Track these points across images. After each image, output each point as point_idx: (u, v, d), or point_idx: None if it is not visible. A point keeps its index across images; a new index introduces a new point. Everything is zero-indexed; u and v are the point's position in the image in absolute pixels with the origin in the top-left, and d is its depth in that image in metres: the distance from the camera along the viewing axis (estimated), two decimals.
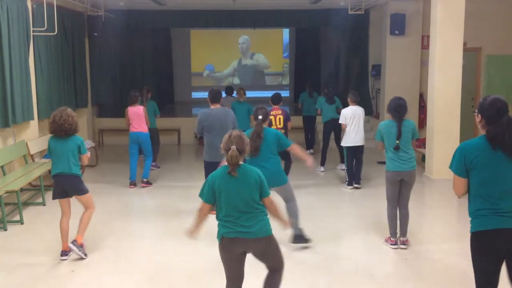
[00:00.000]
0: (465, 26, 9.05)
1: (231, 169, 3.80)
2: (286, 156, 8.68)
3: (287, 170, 8.87)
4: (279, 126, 8.48)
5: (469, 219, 3.60)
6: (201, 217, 4.00)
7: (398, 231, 6.05)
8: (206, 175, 7.19)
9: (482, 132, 3.52)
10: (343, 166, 10.08)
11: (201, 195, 3.95)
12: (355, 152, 8.92)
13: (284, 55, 20.24)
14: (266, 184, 3.94)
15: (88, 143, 10.61)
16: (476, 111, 3.56)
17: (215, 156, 6.89)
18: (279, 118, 8.54)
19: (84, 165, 5.91)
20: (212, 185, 3.86)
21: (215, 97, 7.24)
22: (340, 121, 8.94)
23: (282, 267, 4.09)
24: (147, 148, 9.18)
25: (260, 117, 5.93)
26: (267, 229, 3.91)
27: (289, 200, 6.00)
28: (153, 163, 10.57)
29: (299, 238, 5.99)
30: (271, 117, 8.46)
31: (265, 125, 6.02)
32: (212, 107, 7.23)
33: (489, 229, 3.44)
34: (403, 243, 6.01)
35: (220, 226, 3.90)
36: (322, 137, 10.48)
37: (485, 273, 3.51)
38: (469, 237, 3.60)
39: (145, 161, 9.25)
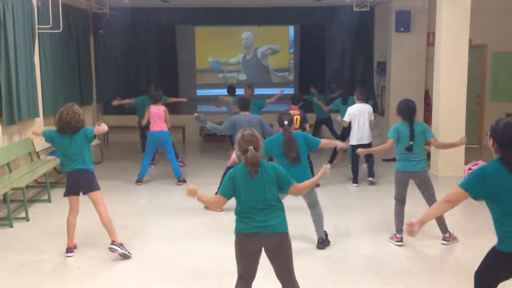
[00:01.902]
0: (471, 23, 9.01)
1: (251, 170, 3.77)
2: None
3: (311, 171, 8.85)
4: (295, 127, 8.45)
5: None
6: (209, 204, 3.97)
7: (403, 227, 6.04)
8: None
9: (494, 155, 3.47)
10: (329, 166, 10.06)
11: (221, 190, 3.94)
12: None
13: (290, 51, 20.24)
14: (285, 174, 3.89)
15: (93, 141, 10.63)
16: (488, 134, 3.52)
17: None
18: (297, 118, 8.50)
19: (105, 130, 5.87)
20: (234, 180, 3.83)
21: (244, 105, 7.54)
22: (344, 118, 8.92)
23: (293, 275, 3.95)
24: (169, 147, 9.13)
25: (286, 122, 5.90)
26: (283, 225, 3.88)
27: (315, 204, 6.00)
28: (178, 160, 10.57)
29: (325, 242, 6.01)
30: None
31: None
32: (242, 113, 7.49)
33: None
34: (445, 239, 6.04)
35: (237, 221, 3.88)
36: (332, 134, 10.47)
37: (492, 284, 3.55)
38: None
39: (171, 161, 9.16)
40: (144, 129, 10.05)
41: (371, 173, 8.98)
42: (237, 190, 3.84)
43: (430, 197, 6.06)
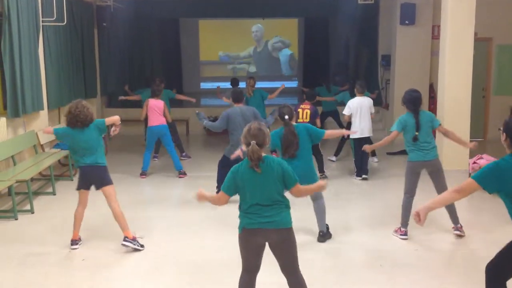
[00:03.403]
0: (476, 16, 8.96)
1: (253, 165, 3.73)
2: (316, 151, 8.67)
3: (320, 165, 8.85)
4: (305, 120, 8.45)
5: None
6: (214, 202, 3.97)
7: (409, 221, 6.04)
8: (222, 168, 7.26)
9: (508, 150, 3.46)
10: (334, 158, 10.11)
11: (223, 185, 3.91)
12: (362, 144, 8.86)
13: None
14: (291, 172, 3.84)
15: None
16: (501, 129, 3.51)
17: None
18: (306, 112, 8.53)
19: (117, 120, 5.91)
20: (235, 177, 3.82)
21: (237, 97, 7.61)
22: (344, 112, 8.91)
23: (297, 268, 3.96)
24: (168, 140, 9.17)
25: (286, 117, 5.82)
26: (287, 221, 3.86)
27: (319, 197, 5.96)
28: (183, 154, 10.61)
29: (326, 235, 5.99)
30: (299, 110, 8.51)
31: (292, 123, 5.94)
32: (236, 106, 7.52)
33: None
34: (457, 229, 6.01)
35: (242, 217, 3.86)
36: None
37: None
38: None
39: (170, 153, 9.20)
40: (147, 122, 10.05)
41: (365, 171, 8.90)
42: (240, 186, 3.81)
43: (442, 187, 5.99)
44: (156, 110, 9.04)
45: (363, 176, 8.84)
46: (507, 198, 3.43)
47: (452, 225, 6.09)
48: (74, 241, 5.78)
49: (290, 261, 3.92)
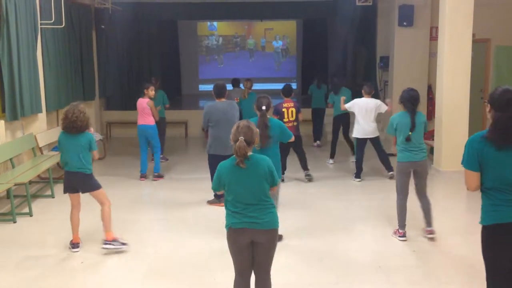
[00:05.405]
0: (474, 17, 8.98)
1: (239, 161, 3.74)
2: (298, 149, 8.66)
3: (304, 163, 8.84)
4: (291, 119, 8.38)
5: (478, 210, 3.55)
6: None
7: (405, 222, 6.04)
8: (210, 168, 7.22)
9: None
10: (331, 161, 10.10)
11: (213, 185, 3.99)
12: (372, 144, 8.84)
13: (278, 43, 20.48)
14: (275, 173, 3.89)
15: (96, 136, 10.65)
16: (487, 101, 3.51)
17: (220, 149, 6.91)
18: (292, 111, 8.39)
19: (95, 159, 5.94)
20: (221, 175, 3.84)
21: (220, 92, 7.29)
22: (345, 104, 8.84)
23: (269, 270, 3.99)
24: (154, 141, 9.10)
25: (263, 107, 5.82)
26: (274, 222, 3.89)
27: (275, 198, 5.89)
28: (161, 156, 10.60)
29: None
30: (284, 109, 8.35)
31: (268, 115, 5.91)
32: (217, 101, 7.27)
33: (506, 222, 3.35)
34: (430, 232, 5.99)
35: (227, 216, 3.88)
36: (332, 130, 10.42)
37: (499, 269, 3.42)
38: (477, 228, 3.56)
39: (154, 155, 9.18)
40: None
41: (389, 168, 8.81)
42: (226, 184, 3.83)
43: (422, 188, 6.04)
44: (139, 108, 8.97)
45: (390, 173, 8.71)
46: (485, 165, 3.39)
47: (426, 228, 6.07)
48: (75, 244, 5.79)
49: (268, 261, 3.96)
